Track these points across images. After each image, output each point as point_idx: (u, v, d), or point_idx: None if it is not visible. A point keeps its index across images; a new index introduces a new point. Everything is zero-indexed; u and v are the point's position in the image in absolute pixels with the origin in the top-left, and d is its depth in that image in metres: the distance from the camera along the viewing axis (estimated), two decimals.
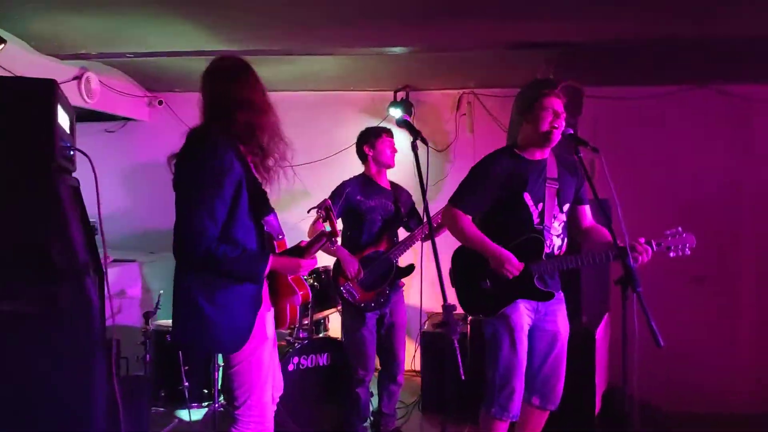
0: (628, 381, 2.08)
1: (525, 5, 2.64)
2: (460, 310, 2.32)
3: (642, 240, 2.26)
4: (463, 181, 2.44)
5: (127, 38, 3.06)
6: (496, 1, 2.60)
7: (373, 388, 3.17)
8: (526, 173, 2.37)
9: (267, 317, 1.92)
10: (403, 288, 3.11)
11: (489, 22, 2.88)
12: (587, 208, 2.55)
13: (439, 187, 4.01)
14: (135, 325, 3.39)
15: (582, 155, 2.33)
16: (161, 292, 3.19)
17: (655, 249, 2.27)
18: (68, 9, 2.65)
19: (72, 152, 2.05)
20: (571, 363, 2.58)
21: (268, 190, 2.05)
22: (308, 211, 2.18)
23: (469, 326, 3.40)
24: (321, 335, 3.39)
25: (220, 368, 2.74)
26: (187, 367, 3.03)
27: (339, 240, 2.93)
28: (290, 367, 2.90)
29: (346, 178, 3.05)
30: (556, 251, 2.41)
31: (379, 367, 3.14)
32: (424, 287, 2.76)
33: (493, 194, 2.37)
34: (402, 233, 3.10)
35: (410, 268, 2.99)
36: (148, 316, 3.16)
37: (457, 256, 2.50)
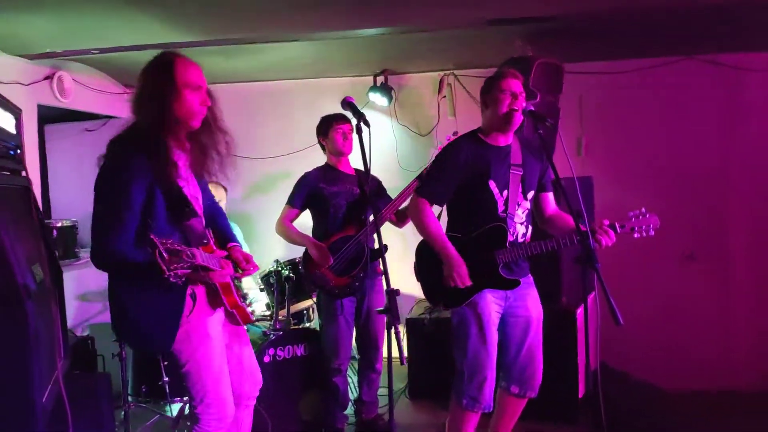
0: (592, 360, 2.05)
1: None
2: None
3: (605, 223, 2.22)
4: (428, 170, 2.40)
5: (87, 35, 3.02)
6: None
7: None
8: (490, 160, 2.31)
9: (210, 319, 1.91)
10: (382, 276, 3.07)
11: None
12: (550, 195, 2.50)
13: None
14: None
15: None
16: None
17: (618, 231, 2.24)
18: (24, 8, 2.62)
19: (17, 151, 2.03)
20: (552, 345, 2.55)
21: (216, 181, 2.04)
22: None
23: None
24: (302, 326, 3.38)
25: None
26: (166, 363, 3.03)
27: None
28: (266, 359, 2.90)
29: None
30: (520, 239, 2.36)
31: (357, 355, 3.13)
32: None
33: (458, 182, 2.32)
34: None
35: (384, 249, 2.94)
36: None
37: (422, 249, 2.45)
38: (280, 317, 3.10)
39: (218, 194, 3.69)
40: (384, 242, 2.93)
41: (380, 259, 2.06)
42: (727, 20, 3.17)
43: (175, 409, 3.10)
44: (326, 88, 4.32)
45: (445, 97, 4.12)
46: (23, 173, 2.13)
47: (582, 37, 3.50)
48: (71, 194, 4.19)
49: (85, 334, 3.69)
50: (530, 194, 2.39)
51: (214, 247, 1.95)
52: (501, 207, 2.31)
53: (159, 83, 1.78)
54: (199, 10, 2.73)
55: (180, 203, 1.82)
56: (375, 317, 3.00)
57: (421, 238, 2.41)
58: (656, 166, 3.96)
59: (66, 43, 3.14)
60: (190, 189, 1.92)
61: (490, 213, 2.31)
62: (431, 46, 3.72)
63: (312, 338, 3.07)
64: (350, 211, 2.95)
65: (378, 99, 4.15)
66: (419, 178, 2.88)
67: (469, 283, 2.25)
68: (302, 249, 2.99)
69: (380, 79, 4.21)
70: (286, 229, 2.98)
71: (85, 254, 3.72)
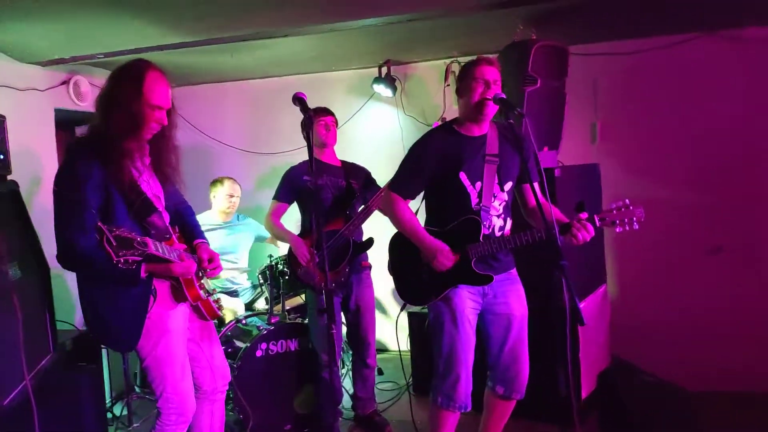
0: (564, 360, 1.96)
1: None
2: None
3: (583, 216, 2.09)
4: (401, 163, 2.35)
5: (92, 41, 3.14)
6: None
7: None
8: (462, 151, 2.23)
9: (171, 313, 1.95)
10: (370, 270, 3.06)
11: None
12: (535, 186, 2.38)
13: None
14: None
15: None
16: None
17: (598, 224, 2.11)
18: (33, 19, 2.73)
19: (2, 156, 2.14)
20: (552, 344, 2.43)
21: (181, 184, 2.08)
22: None
23: None
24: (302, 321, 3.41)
25: None
26: None
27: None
28: (258, 353, 2.94)
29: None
30: (497, 232, 2.27)
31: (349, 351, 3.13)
32: None
33: (429, 175, 2.26)
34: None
35: (369, 242, 2.93)
36: None
37: (395, 245, 2.41)
38: (275, 311, 3.14)
39: (235, 190, 3.81)
40: (371, 236, 2.95)
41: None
42: None
43: None
44: (333, 82, 4.31)
45: (449, 85, 4.02)
46: (8, 177, 2.25)
47: (589, 15, 3.30)
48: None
49: None
50: (507, 185, 2.29)
51: (176, 242, 2.00)
52: (474, 199, 2.23)
53: (126, 94, 1.83)
54: (202, 10, 2.76)
55: (138, 201, 1.87)
56: (364, 312, 2.99)
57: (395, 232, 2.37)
58: (678, 153, 3.70)
59: (71, 50, 3.28)
60: (152, 188, 1.97)
61: (463, 205, 2.23)
62: (433, 34, 3.63)
63: (305, 333, 3.09)
64: (337, 204, 2.93)
65: (382, 90, 4.10)
66: None
67: (454, 258, 2.19)
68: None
69: (384, 70, 4.15)
70: (272, 225, 3.00)
71: None
